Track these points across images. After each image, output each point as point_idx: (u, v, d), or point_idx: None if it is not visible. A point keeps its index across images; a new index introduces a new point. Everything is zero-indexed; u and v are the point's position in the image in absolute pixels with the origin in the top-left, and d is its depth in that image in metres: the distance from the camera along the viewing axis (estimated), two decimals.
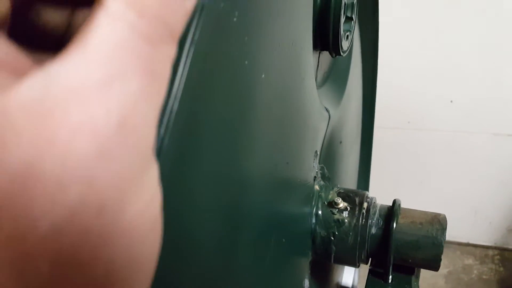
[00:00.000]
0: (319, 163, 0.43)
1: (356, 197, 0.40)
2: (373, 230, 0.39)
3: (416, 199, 1.52)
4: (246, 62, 0.22)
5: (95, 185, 0.09)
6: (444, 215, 0.39)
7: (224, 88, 0.20)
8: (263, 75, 0.24)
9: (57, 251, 0.09)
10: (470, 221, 1.50)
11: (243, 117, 0.23)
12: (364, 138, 0.71)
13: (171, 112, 0.13)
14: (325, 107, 0.43)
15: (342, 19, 0.39)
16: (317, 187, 0.41)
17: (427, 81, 1.34)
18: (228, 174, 0.22)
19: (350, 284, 0.63)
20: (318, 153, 0.40)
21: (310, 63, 0.34)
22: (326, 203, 0.40)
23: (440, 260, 0.37)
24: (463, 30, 1.24)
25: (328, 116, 0.42)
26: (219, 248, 0.23)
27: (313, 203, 0.40)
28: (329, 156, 0.47)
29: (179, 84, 0.14)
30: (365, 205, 0.40)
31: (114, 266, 0.10)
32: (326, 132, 0.43)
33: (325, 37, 0.39)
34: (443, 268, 1.48)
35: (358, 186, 0.72)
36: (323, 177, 0.45)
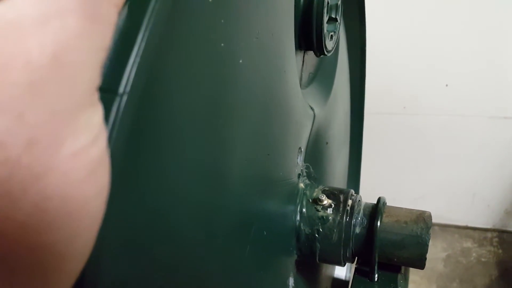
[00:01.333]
0: (304, 162, 0.43)
1: (340, 195, 0.40)
2: (357, 229, 0.39)
3: (414, 184, 1.52)
4: (222, 45, 0.22)
5: (24, 117, 0.09)
6: (430, 213, 0.39)
7: (196, 65, 0.20)
8: (240, 60, 0.24)
9: None
10: (468, 204, 1.50)
11: (219, 97, 0.23)
12: (353, 142, 0.71)
13: (132, 64, 0.13)
14: (310, 106, 0.43)
15: (325, 19, 0.39)
16: (302, 185, 0.41)
17: (421, 65, 1.34)
18: (200, 156, 0.21)
19: (343, 276, 0.63)
20: (302, 150, 0.39)
21: (292, 58, 0.34)
22: (310, 201, 0.40)
23: (425, 259, 0.37)
24: (457, 12, 1.25)
25: (313, 115, 0.42)
26: (190, 236, 0.22)
27: (298, 201, 0.39)
28: (315, 156, 0.47)
29: (140, 43, 0.13)
30: (350, 202, 0.40)
31: (47, 205, 0.10)
32: (311, 131, 0.43)
33: (309, 37, 0.39)
34: (442, 252, 1.47)
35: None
36: (309, 176, 0.44)
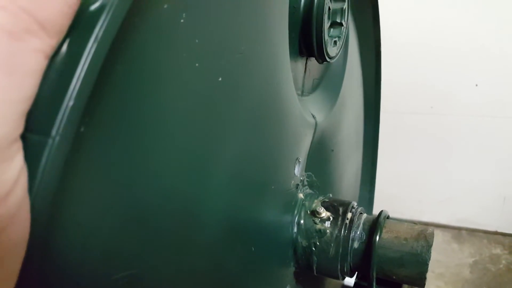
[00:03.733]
0: (305, 171, 0.42)
1: (340, 207, 0.39)
2: (356, 244, 0.38)
3: (441, 186, 1.47)
4: (197, 65, 0.22)
5: None
6: (432, 231, 0.37)
7: (169, 87, 0.20)
8: (220, 78, 0.24)
9: None
10: (498, 208, 1.43)
11: (196, 115, 0.22)
12: (368, 146, 0.69)
13: (66, 107, 0.13)
14: (312, 114, 0.42)
15: (326, 25, 0.38)
16: (301, 195, 0.40)
17: (451, 65, 1.29)
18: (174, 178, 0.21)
19: (352, 283, 0.61)
20: (300, 160, 0.38)
21: (287, 67, 0.33)
22: (309, 212, 0.39)
23: (425, 278, 0.35)
24: (488, 11, 1.19)
25: (314, 123, 0.41)
26: (177, 247, 0.22)
27: (296, 212, 0.39)
28: (319, 164, 0.45)
29: (77, 78, 0.13)
30: (349, 215, 0.38)
31: None
32: (313, 139, 0.42)
33: (309, 43, 0.38)
34: (469, 257, 1.42)
35: (361, 197, 0.70)
36: (311, 185, 0.43)
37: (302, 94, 0.42)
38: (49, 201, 0.13)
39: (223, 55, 0.24)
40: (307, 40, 0.38)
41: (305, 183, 0.42)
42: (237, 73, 0.26)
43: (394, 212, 1.56)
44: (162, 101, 0.20)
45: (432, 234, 0.36)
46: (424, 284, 0.36)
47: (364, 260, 0.37)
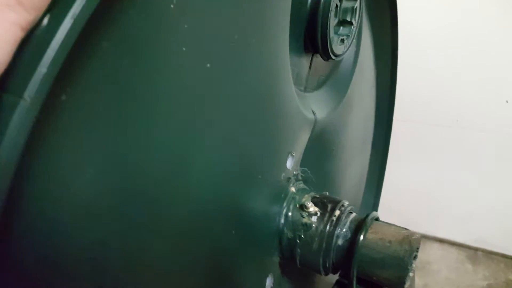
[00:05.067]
0: (301, 166, 0.43)
1: (329, 204, 0.40)
2: (340, 241, 0.38)
3: (461, 203, 1.42)
4: (184, 49, 0.23)
5: None
6: (419, 236, 0.37)
7: (153, 68, 0.21)
8: (208, 65, 0.25)
9: None
10: None
11: (177, 96, 0.24)
12: (378, 150, 0.68)
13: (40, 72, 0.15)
14: (312, 110, 0.42)
15: (332, 22, 0.38)
16: (293, 189, 0.41)
17: (480, 77, 1.25)
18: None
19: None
20: (294, 154, 0.39)
21: (285, 61, 0.34)
22: (297, 206, 0.40)
23: (404, 283, 0.35)
24: None
25: (313, 120, 0.42)
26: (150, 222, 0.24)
27: (285, 204, 0.40)
28: (317, 161, 0.46)
29: (52, 49, 0.15)
30: (337, 213, 0.39)
31: None
32: (311, 135, 0.42)
33: (314, 40, 0.38)
34: (483, 280, 1.37)
35: (366, 201, 0.70)
36: (306, 181, 0.44)
37: (305, 90, 0.43)
38: (15, 158, 0.15)
39: (214, 43, 0.25)
40: (312, 37, 0.39)
41: (299, 177, 0.43)
42: (228, 62, 0.27)
43: (407, 224, 1.51)
44: (146, 80, 0.21)
45: (418, 240, 0.36)
46: None
47: (346, 258, 0.38)
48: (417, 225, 1.48)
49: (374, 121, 0.63)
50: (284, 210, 0.39)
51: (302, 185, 0.43)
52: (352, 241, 0.37)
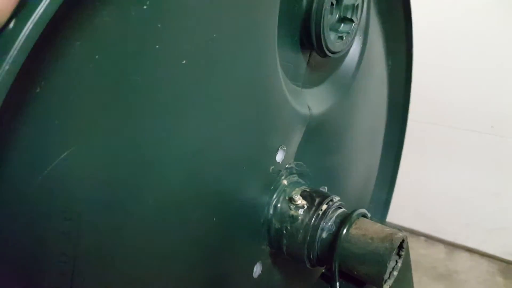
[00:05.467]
0: (295, 160, 0.44)
1: (317, 198, 0.41)
2: (324, 234, 0.39)
3: (493, 213, 1.36)
4: (157, 46, 0.25)
5: None
6: (403, 235, 0.37)
7: (126, 64, 0.24)
8: (183, 61, 0.27)
9: None
10: None
11: (154, 91, 0.26)
12: (392, 149, 0.67)
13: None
14: (308, 106, 0.43)
15: (328, 19, 0.39)
16: (285, 181, 0.42)
17: None
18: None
19: None
20: (285, 148, 0.40)
21: (272, 58, 0.35)
22: (287, 198, 0.41)
23: (383, 279, 0.36)
24: None
25: (307, 115, 0.42)
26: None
27: (275, 196, 0.41)
28: (315, 156, 0.47)
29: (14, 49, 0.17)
30: (324, 207, 0.40)
31: None
32: (307, 130, 0.43)
33: (309, 36, 0.39)
34: (502, 287, 1.32)
35: (377, 198, 0.69)
36: (301, 174, 0.45)
37: (302, 85, 0.44)
38: None
39: (188, 40, 0.27)
40: (307, 34, 0.39)
41: (294, 171, 0.44)
42: (206, 57, 0.29)
43: (436, 231, 1.48)
44: (118, 76, 0.24)
45: (399, 239, 0.37)
46: (382, 286, 0.36)
47: (330, 251, 0.39)
48: (447, 233, 1.44)
49: (386, 118, 0.63)
50: (274, 202, 0.41)
51: (296, 179, 0.44)
52: (336, 235, 0.38)
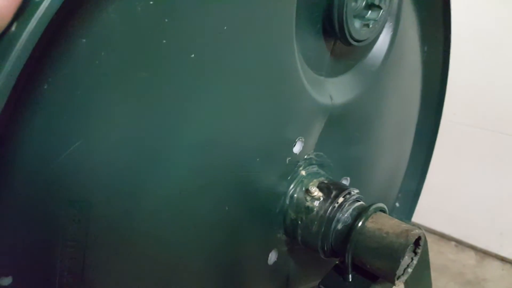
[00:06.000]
0: (316, 150, 0.44)
1: (334, 190, 0.40)
2: (340, 226, 0.39)
3: None
4: (164, 41, 0.26)
5: None
6: (419, 232, 0.36)
7: (135, 60, 0.25)
8: (192, 55, 0.27)
9: None
10: None
11: (162, 83, 0.26)
12: (424, 143, 0.65)
13: None
14: (330, 96, 0.42)
15: (351, 5, 0.37)
16: (303, 172, 0.42)
17: None
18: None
19: None
20: (302, 139, 0.40)
21: (287, 47, 0.34)
22: (304, 189, 0.41)
23: (395, 275, 0.35)
24: None
25: (329, 105, 0.42)
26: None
27: (292, 186, 0.41)
28: (337, 146, 0.46)
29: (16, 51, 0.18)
30: (341, 200, 0.39)
31: None
32: (328, 120, 0.42)
33: (332, 25, 0.38)
34: None
35: (407, 189, 0.67)
36: (322, 165, 0.45)
37: (325, 74, 0.43)
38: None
39: (197, 34, 0.27)
40: (330, 21, 0.38)
41: (313, 162, 0.44)
42: (216, 51, 0.29)
43: (468, 236, 1.40)
44: (126, 72, 0.25)
45: (415, 235, 0.36)
46: (394, 282, 0.36)
47: (344, 243, 0.38)
48: (479, 240, 1.37)
49: (419, 108, 0.60)
50: (291, 192, 0.41)
51: (315, 169, 0.44)
52: (351, 227, 0.38)
